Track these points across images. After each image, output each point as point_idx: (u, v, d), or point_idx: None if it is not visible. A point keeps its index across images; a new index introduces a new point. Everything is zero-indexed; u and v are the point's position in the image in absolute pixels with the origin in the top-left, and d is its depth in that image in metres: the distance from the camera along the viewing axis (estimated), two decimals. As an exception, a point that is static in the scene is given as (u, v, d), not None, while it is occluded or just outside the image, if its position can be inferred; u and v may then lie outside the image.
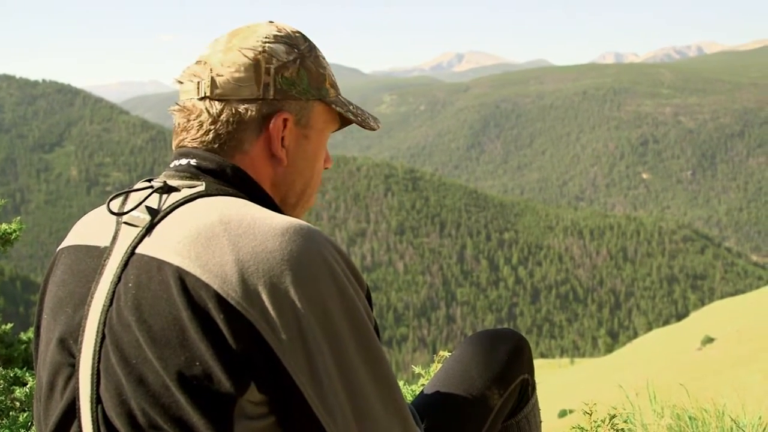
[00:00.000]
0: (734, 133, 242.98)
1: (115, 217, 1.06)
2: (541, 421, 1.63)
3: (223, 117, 1.12)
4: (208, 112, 1.12)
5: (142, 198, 1.05)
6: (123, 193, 1.10)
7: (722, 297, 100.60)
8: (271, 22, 1.20)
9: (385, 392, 1.01)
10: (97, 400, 0.96)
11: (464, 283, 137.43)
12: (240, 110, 1.11)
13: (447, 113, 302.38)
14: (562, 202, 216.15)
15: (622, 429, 2.37)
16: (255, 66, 1.12)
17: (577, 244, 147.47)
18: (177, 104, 1.17)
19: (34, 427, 2.04)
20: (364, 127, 1.26)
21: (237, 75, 1.12)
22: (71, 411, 1.00)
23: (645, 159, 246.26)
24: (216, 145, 1.12)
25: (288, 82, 1.13)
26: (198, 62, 1.16)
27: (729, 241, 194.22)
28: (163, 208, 1.03)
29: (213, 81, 1.12)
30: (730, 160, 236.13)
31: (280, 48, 1.14)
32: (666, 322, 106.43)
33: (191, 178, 1.09)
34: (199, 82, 1.13)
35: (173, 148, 1.18)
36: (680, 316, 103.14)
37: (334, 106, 1.20)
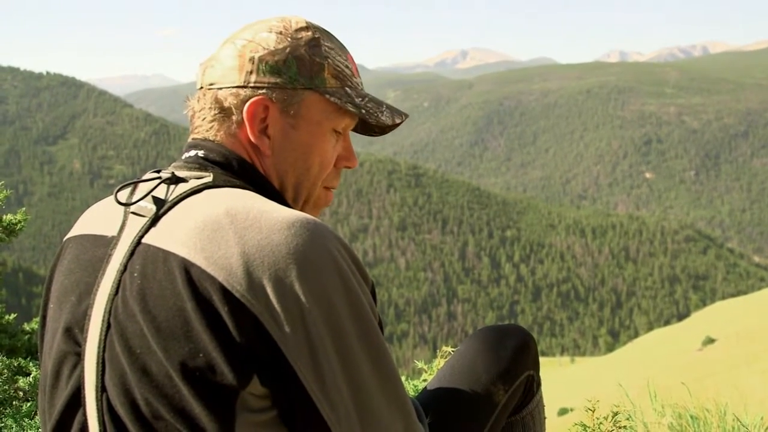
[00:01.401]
0: (738, 133, 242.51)
1: (122, 207, 1.06)
2: (545, 418, 1.63)
3: (207, 104, 1.14)
4: (198, 100, 1.16)
5: (150, 188, 1.05)
6: (131, 183, 1.10)
7: (724, 298, 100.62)
8: (294, 16, 1.20)
9: (388, 387, 1.01)
10: (102, 389, 0.97)
11: (465, 280, 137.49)
12: (220, 97, 1.13)
13: (451, 110, 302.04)
14: (565, 201, 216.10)
15: (625, 427, 2.37)
16: (240, 54, 1.13)
17: (579, 243, 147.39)
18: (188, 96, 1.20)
19: (37, 417, 2.10)
20: (369, 121, 1.20)
21: (225, 64, 1.13)
22: (76, 399, 1.00)
23: (648, 158, 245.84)
24: (211, 134, 1.14)
25: (273, 70, 1.12)
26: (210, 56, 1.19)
27: (731, 241, 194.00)
28: (170, 198, 1.03)
29: (207, 71, 1.16)
30: (733, 161, 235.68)
31: (271, 37, 1.14)
32: (667, 322, 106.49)
33: (199, 170, 1.09)
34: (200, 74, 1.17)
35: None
36: (681, 317, 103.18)
37: (328, 96, 1.15)
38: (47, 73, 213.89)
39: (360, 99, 1.20)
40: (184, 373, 0.92)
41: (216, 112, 1.13)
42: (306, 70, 1.14)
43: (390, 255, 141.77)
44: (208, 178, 1.07)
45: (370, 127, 1.27)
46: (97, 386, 0.97)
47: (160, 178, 1.07)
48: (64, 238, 1.15)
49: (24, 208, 2.85)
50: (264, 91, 1.12)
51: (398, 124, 1.25)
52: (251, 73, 1.12)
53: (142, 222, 1.02)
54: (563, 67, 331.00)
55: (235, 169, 1.11)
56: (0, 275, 2.93)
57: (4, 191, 2.75)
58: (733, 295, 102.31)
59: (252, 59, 1.12)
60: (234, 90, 1.12)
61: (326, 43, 1.17)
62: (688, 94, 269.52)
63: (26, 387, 2.28)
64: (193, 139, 1.16)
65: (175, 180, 1.07)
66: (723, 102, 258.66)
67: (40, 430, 1.95)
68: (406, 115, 1.28)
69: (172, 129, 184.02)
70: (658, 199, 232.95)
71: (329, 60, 1.16)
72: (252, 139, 1.13)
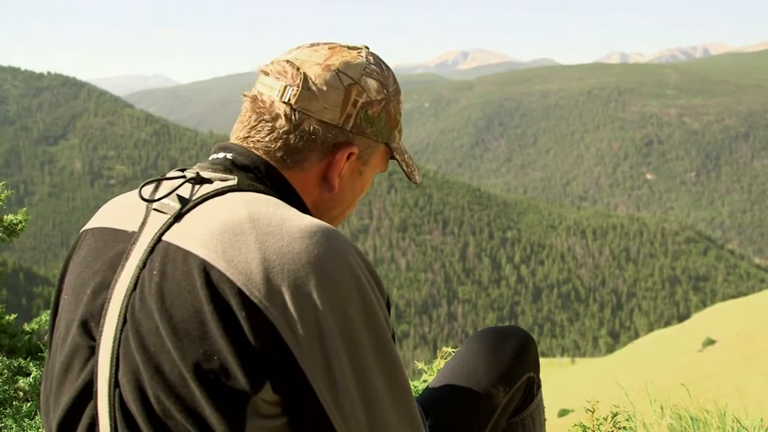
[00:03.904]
0: (739, 134, 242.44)
1: (144, 203, 1.06)
2: (545, 419, 1.63)
3: (299, 131, 1.12)
4: (288, 119, 1.12)
5: (174, 186, 1.05)
6: (155, 180, 1.10)
7: (724, 299, 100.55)
8: (367, 47, 1.21)
9: (400, 400, 1.01)
10: (115, 384, 0.97)
11: (466, 281, 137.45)
12: (316, 129, 1.12)
13: (451, 111, 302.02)
14: (566, 202, 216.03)
15: (624, 428, 2.38)
16: (346, 94, 1.12)
17: (580, 244, 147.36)
18: (255, 92, 1.16)
19: (38, 417, 2.10)
20: (409, 179, 1.28)
21: (327, 96, 1.12)
22: (86, 393, 1.00)
23: (649, 159, 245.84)
24: (279, 154, 1.13)
25: (368, 120, 1.15)
26: (290, 62, 1.15)
27: (732, 243, 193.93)
28: (194, 198, 1.03)
29: (302, 93, 1.12)
30: (734, 162, 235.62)
31: (374, 85, 1.15)
32: (667, 324, 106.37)
33: (224, 172, 1.08)
34: (286, 86, 1.12)
35: (231, 137, 1.18)
36: (682, 318, 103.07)
37: (396, 154, 1.22)
38: (48, 73, 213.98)
39: (407, 155, 1.26)
40: (197, 375, 0.92)
41: (302, 141, 1.12)
42: (389, 125, 1.19)
43: (390, 256, 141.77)
44: (233, 180, 1.06)
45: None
46: (110, 381, 0.97)
47: (184, 177, 1.07)
48: (82, 229, 1.14)
49: (25, 209, 2.84)
50: (356, 138, 1.15)
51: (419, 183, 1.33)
52: (351, 117, 1.13)
53: (163, 219, 1.02)
54: (564, 68, 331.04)
55: (261, 174, 1.11)
56: (0, 275, 2.92)
57: (5, 191, 2.73)
58: (733, 297, 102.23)
59: (355, 103, 1.13)
60: (329, 127, 1.13)
61: (401, 97, 1.21)
62: (688, 96, 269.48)
63: (26, 387, 2.26)
64: (234, 143, 1.15)
65: (199, 180, 1.06)
66: (724, 103, 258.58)
67: (41, 429, 1.97)
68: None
69: (172, 129, 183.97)
70: (659, 201, 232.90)
71: (401, 116, 1.21)
72: (331, 178, 1.15)
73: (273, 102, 1.13)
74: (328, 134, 1.12)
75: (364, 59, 1.17)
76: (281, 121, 1.12)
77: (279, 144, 1.12)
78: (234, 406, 0.92)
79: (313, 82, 1.12)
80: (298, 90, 1.12)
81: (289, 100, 1.12)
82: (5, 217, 2.77)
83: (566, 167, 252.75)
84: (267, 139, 1.12)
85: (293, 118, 1.12)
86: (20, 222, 2.76)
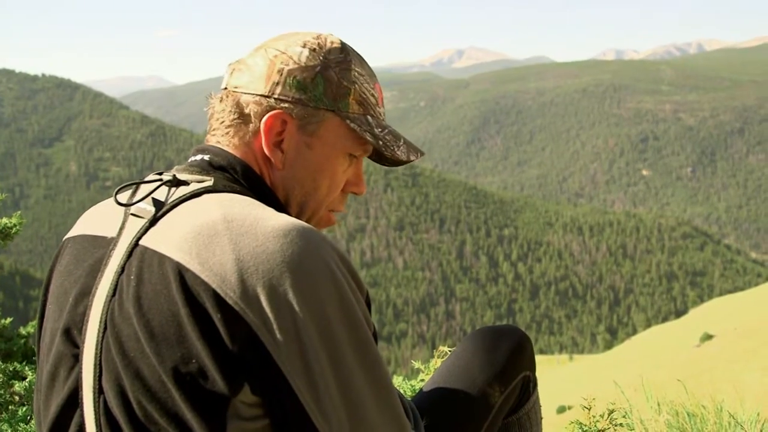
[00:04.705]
0: (734, 130, 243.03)
1: (123, 208, 1.06)
2: (541, 418, 1.63)
3: (228, 107, 1.13)
4: (221, 100, 1.15)
5: (151, 190, 1.05)
6: (133, 184, 1.10)
7: (721, 294, 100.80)
8: (330, 34, 1.20)
9: (382, 398, 1.01)
10: (99, 391, 0.96)
11: (463, 279, 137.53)
12: (242, 102, 1.12)
13: (447, 109, 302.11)
14: (562, 199, 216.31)
15: (621, 424, 2.38)
16: (270, 64, 1.12)
17: (577, 241, 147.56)
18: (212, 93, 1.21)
19: (33, 421, 2.08)
20: (384, 153, 1.21)
21: (253, 70, 1.13)
22: (73, 400, 1.00)
23: (645, 156, 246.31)
24: (225, 139, 1.14)
25: (299, 86, 1.12)
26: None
27: (728, 238, 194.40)
28: (170, 201, 1.03)
29: (234, 74, 1.15)
30: (729, 158, 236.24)
31: (303, 53, 1.13)
32: (665, 319, 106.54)
33: (201, 173, 1.09)
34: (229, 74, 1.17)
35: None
36: (679, 313, 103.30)
37: (348, 121, 1.15)
38: (43, 75, 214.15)
39: (379, 129, 1.19)
40: (176, 379, 0.91)
41: (235, 116, 1.13)
42: (332, 92, 1.13)
43: (388, 255, 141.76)
44: (209, 182, 1.06)
45: (384, 158, 1.26)
46: (94, 388, 0.97)
47: (161, 180, 1.07)
48: (64, 238, 1.15)
49: (19, 212, 2.82)
50: (286, 105, 1.12)
51: (413, 161, 1.25)
52: (277, 84, 1.11)
53: (140, 223, 1.01)
54: (559, 66, 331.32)
55: (238, 175, 1.11)
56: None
57: (0, 194, 2.74)
58: (730, 291, 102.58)
59: (281, 71, 1.11)
60: (257, 98, 1.12)
61: (357, 68, 1.17)
62: (683, 92, 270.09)
63: (22, 391, 2.26)
64: (208, 143, 1.16)
65: (176, 182, 1.06)
66: (719, 99, 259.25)
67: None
68: (422, 153, 1.27)
69: (168, 130, 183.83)
70: (655, 197, 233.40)
71: (356, 85, 1.16)
72: (265, 150, 1.13)
73: (219, 94, 1.17)
74: (254, 105, 1.12)
75: (301, 36, 1.16)
76: (222, 105, 1.15)
77: (222, 128, 1.14)
78: (214, 408, 0.92)
79: (245, 62, 1.15)
80: (230, 72, 1.16)
81: (226, 85, 1.16)
82: (0, 220, 2.75)
83: (562, 164, 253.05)
84: (219, 126, 1.15)
85: (226, 99, 1.14)
86: (15, 225, 2.74)
